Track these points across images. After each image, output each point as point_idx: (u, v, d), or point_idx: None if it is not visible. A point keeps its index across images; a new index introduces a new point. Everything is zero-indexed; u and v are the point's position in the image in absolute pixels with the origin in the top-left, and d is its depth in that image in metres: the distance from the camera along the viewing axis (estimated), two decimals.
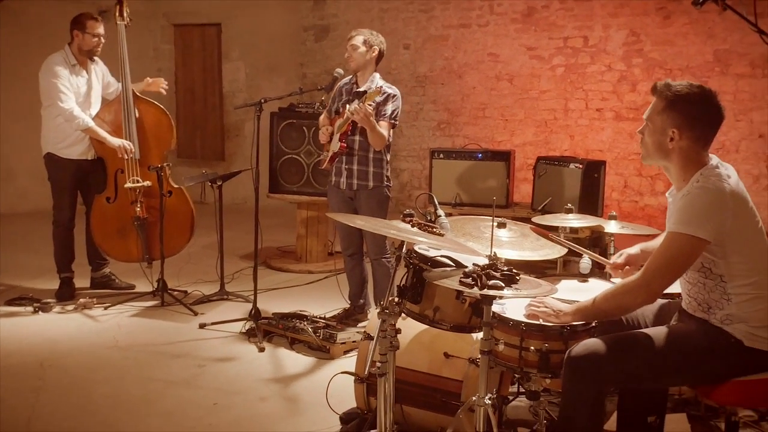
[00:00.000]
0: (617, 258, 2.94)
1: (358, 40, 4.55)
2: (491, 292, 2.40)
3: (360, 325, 4.69)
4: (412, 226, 2.73)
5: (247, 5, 9.52)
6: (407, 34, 8.94)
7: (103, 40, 5.22)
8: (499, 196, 6.12)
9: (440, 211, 3.07)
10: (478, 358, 3.09)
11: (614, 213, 3.74)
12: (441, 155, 6.30)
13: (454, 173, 6.22)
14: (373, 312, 4.79)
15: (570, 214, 3.74)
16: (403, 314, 2.82)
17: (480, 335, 3.01)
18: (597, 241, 5.41)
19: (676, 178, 2.60)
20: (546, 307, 2.63)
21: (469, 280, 2.40)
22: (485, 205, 6.10)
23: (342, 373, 3.42)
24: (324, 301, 5.32)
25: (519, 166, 7.45)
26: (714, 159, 2.55)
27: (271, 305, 5.11)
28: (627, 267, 2.89)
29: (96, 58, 5.28)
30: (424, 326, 2.98)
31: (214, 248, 6.27)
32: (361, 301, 4.88)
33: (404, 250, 2.74)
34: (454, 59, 8.71)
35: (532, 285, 2.53)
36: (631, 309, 2.62)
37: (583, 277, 3.36)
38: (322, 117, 4.85)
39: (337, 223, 4.78)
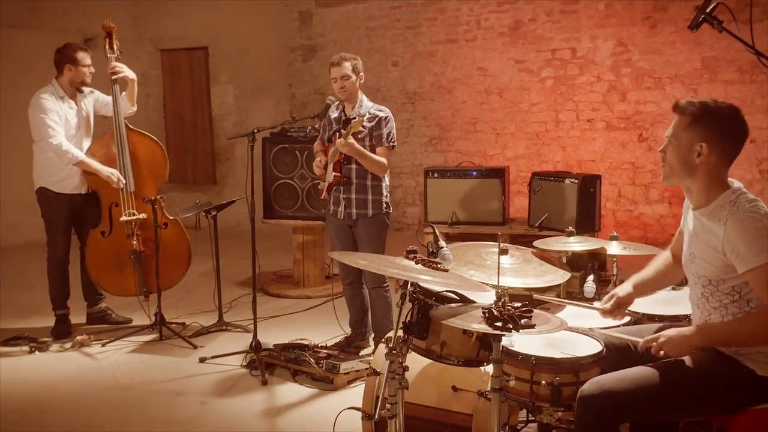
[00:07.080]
0: (606, 303, 2.89)
1: (347, 68, 4.38)
2: (529, 332, 2.37)
3: (362, 353, 4.65)
4: (417, 263, 2.69)
5: (233, 27, 9.48)
6: (395, 52, 8.93)
7: (92, 70, 5.18)
8: (495, 214, 6.10)
9: (442, 242, 3.04)
10: (488, 391, 3.06)
11: (615, 234, 3.72)
12: (435, 174, 6.27)
13: (449, 192, 6.18)
14: (373, 340, 4.76)
15: (571, 237, 3.71)
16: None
17: (488, 368, 2.99)
18: (597, 255, 5.40)
19: (698, 196, 2.53)
20: (669, 341, 2.47)
21: (499, 324, 2.36)
22: (482, 222, 6.07)
23: (349, 408, 3.37)
24: (324, 328, 5.27)
25: (513, 179, 7.43)
26: (736, 182, 2.52)
27: (271, 334, 5.06)
28: (618, 310, 2.85)
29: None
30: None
31: (209, 276, 6.17)
32: (363, 328, 4.82)
33: (409, 287, 2.69)
34: (443, 75, 8.71)
35: (542, 320, 2.49)
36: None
37: (589, 301, 3.36)
38: (316, 143, 4.80)
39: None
